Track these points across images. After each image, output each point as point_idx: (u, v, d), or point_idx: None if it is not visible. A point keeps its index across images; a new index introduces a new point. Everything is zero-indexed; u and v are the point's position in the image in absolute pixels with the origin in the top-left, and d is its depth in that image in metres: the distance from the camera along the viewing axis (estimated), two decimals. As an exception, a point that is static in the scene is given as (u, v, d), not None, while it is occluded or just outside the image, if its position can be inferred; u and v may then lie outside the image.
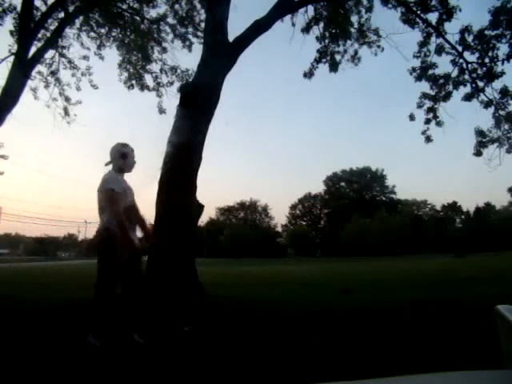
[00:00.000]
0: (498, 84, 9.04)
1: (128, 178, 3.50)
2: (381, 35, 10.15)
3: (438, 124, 9.87)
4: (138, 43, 10.88)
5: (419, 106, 9.97)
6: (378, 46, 10.35)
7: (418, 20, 9.39)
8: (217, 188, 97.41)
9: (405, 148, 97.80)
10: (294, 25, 10.15)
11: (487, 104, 9.23)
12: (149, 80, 11.30)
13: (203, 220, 66.91)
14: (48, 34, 9.76)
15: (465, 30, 8.94)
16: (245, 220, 78.45)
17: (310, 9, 10.06)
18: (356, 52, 10.49)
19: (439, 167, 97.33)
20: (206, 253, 57.91)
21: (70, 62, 10.91)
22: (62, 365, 2.68)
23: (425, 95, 9.92)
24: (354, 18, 10.10)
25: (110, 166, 3.36)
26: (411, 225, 61.06)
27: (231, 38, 8.01)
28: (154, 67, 11.28)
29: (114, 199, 3.08)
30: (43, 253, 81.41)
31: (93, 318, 3.04)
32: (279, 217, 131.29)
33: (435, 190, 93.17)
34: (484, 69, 9.15)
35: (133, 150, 3.38)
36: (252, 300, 6.64)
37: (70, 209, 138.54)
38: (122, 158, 3.29)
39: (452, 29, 9.12)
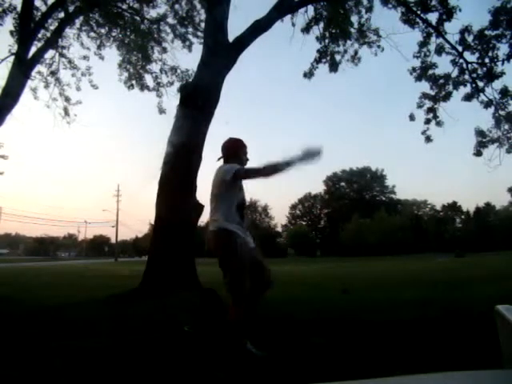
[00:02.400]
0: (498, 84, 9.06)
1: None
2: (381, 35, 10.17)
3: (438, 124, 9.88)
4: (138, 43, 10.88)
5: (419, 106, 9.97)
6: (378, 46, 10.37)
7: (418, 20, 9.40)
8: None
9: (405, 148, 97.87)
10: (293, 25, 10.17)
11: (487, 104, 9.23)
12: (149, 80, 11.32)
13: (203, 220, 66.61)
14: (48, 34, 9.76)
15: (465, 30, 8.94)
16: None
17: (310, 9, 10.08)
18: (356, 52, 10.51)
19: (439, 167, 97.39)
20: (206, 253, 57.81)
21: (70, 61, 10.92)
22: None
23: (425, 95, 9.92)
24: (354, 18, 10.13)
25: (221, 162, 3.13)
26: (411, 225, 61.04)
27: (231, 38, 8.03)
28: (154, 67, 11.30)
29: (240, 175, 2.87)
30: (43, 253, 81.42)
31: (241, 326, 2.83)
32: (279, 217, 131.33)
33: (435, 190, 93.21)
34: (484, 69, 9.15)
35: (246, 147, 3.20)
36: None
37: (70, 209, 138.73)
38: (238, 156, 3.09)
39: (452, 29, 9.15)
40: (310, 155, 2.65)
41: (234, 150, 3.09)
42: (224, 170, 2.93)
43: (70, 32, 10.56)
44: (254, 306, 3.00)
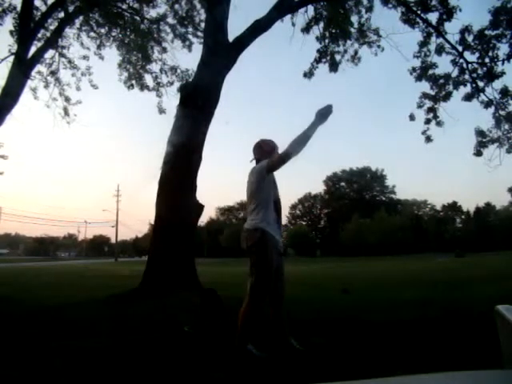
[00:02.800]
0: (498, 84, 9.04)
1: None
2: (381, 35, 10.16)
3: (438, 124, 9.87)
4: (138, 43, 10.88)
5: (419, 106, 9.96)
6: (378, 46, 10.36)
7: (418, 20, 9.39)
8: (217, 188, 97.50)
9: (405, 148, 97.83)
10: (294, 25, 10.16)
11: (487, 104, 9.22)
12: (149, 80, 11.32)
13: (203, 220, 66.96)
14: (48, 34, 9.76)
15: (465, 30, 8.93)
16: (245, 220, 78.31)
17: (310, 9, 10.07)
18: (356, 52, 10.50)
19: (439, 167, 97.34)
20: (206, 253, 57.90)
21: (70, 61, 10.92)
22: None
23: (425, 95, 9.91)
24: (354, 18, 10.12)
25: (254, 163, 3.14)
26: (411, 225, 61.04)
27: (231, 38, 8.02)
28: (154, 67, 11.30)
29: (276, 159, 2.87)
30: (43, 253, 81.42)
31: (250, 324, 2.82)
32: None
33: (435, 190, 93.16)
34: (484, 69, 9.15)
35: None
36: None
37: (70, 209, 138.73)
38: (274, 153, 3.09)
39: (452, 29, 9.14)
40: (324, 114, 2.76)
41: (267, 151, 3.10)
42: (257, 169, 2.96)
43: (69, 32, 10.58)
44: (279, 311, 3.03)
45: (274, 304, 3.00)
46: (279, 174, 3.06)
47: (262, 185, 2.90)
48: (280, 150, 3.01)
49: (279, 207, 3.09)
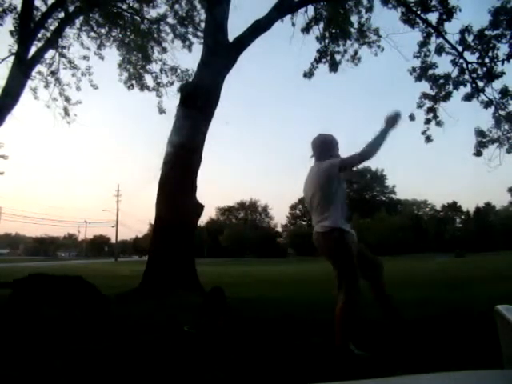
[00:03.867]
0: (498, 84, 9.05)
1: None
2: (381, 35, 10.18)
3: (438, 124, 9.87)
4: (138, 43, 10.88)
5: (419, 106, 9.96)
6: (378, 46, 10.37)
7: (418, 20, 9.40)
8: (217, 188, 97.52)
9: (405, 148, 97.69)
10: (294, 25, 10.17)
11: (487, 104, 9.23)
12: (149, 80, 11.34)
13: (203, 220, 66.99)
14: (48, 34, 9.76)
15: (465, 30, 8.94)
16: (245, 220, 78.46)
17: (310, 9, 10.08)
18: (356, 52, 10.51)
19: (439, 167, 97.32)
20: (206, 253, 57.91)
21: (70, 61, 10.93)
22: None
23: (425, 95, 9.92)
24: (354, 18, 10.13)
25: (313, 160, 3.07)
26: (411, 225, 61.04)
27: (231, 38, 8.03)
28: (154, 67, 11.31)
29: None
30: (43, 253, 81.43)
31: (350, 323, 2.78)
32: (279, 217, 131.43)
33: (435, 190, 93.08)
34: (484, 69, 9.15)
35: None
36: (252, 300, 6.64)
37: (71, 209, 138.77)
38: (334, 149, 3.05)
39: (452, 29, 9.14)
40: (393, 120, 2.80)
41: (328, 147, 3.03)
42: (327, 168, 2.86)
43: (70, 32, 10.59)
44: (382, 290, 3.02)
45: (374, 285, 3.01)
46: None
47: (335, 183, 2.85)
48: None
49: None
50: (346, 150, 3.12)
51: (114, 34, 11.05)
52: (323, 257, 2.96)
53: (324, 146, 3.02)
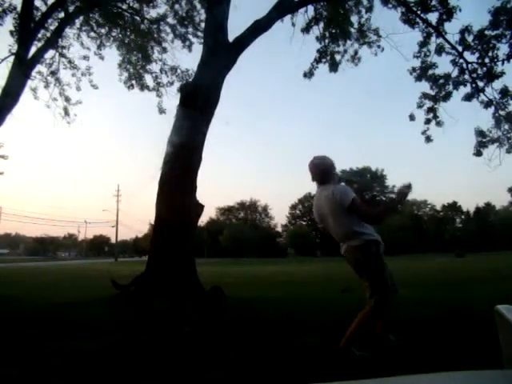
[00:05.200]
0: (498, 84, 9.04)
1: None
2: (381, 35, 10.17)
3: (438, 124, 9.87)
4: (138, 43, 10.88)
5: (419, 106, 9.96)
6: (378, 46, 10.37)
7: (418, 20, 9.39)
8: (217, 188, 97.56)
9: (405, 148, 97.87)
10: (293, 25, 10.17)
11: (487, 104, 9.22)
12: (149, 80, 11.33)
13: (203, 220, 67.00)
14: (48, 34, 9.75)
15: (465, 30, 8.93)
16: (245, 220, 78.46)
17: (310, 9, 10.08)
18: (356, 52, 10.51)
19: (439, 167, 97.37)
20: (206, 253, 57.90)
21: (70, 61, 10.92)
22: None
23: (425, 95, 9.91)
24: (354, 18, 10.13)
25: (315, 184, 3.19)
26: (411, 225, 61.03)
27: (231, 38, 8.02)
28: (154, 67, 11.31)
29: (360, 204, 2.93)
30: (43, 253, 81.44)
31: (364, 330, 2.88)
32: (279, 217, 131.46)
33: (435, 190, 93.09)
34: (484, 69, 9.14)
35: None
36: (252, 300, 6.64)
37: (71, 209, 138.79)
38: (334, 170, 3.18)
39: (452, 29, 9.14)
40: (404, 195, 2.93)
41: (329, 172, 3.14)
42: (341, 192, 2.94)
43: (70, 32, 10.58)
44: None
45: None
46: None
47: (347, 210, 2.92)
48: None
49: None
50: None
51: (113, 34, 11.05)
52: (353, 268, 3.01)
53: (326, 172, 3.13)
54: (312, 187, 3.29)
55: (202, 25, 10.06)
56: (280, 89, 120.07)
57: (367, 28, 10.16)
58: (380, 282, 2.86)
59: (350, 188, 3.03)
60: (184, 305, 5.28)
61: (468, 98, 9.41)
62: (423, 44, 9.54)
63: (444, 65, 9.80)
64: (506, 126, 9.29)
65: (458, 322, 3.99)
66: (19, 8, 8.86)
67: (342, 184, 3.20)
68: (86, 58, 11.00)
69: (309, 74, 10.34)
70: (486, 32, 8.76)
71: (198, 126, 7.35)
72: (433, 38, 9.42)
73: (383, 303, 2.84)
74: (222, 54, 7.73)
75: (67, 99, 11.09)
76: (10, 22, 9.21)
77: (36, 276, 15.36)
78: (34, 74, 9.89)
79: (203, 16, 10.10)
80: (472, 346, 2.87)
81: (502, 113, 9.21)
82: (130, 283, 6.79)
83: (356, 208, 2.89)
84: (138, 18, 10.89)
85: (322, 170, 3.12)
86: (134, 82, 11.32)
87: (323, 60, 10.30)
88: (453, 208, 69.61)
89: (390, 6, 9.42)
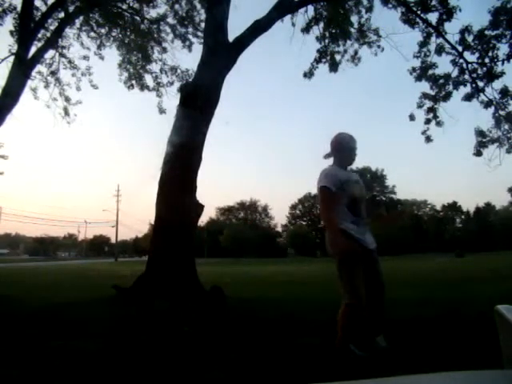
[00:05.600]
0: (498, 84, 9.03)
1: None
2: (381, 35, 10.16)
3: (438, 124, 9.86)
4: (138, 43, 10.88)
5: (419, 106, 9.95)
6: (378, 46, 10.35)
7: (418, 20, 9.38)
8: (217, 188, 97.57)
9: (405, 148, 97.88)
10: (293, 25, 10.15)
11: (487, 104, 9.22)
12: (149, 80, 11.33)
13: (203, 220, 66.98)
14: (48, 34, 9.75)
15: (465, 30, 8.92)
16: (245, 220, 78.46)
17: (310, 9, 10.06)
18: (356, 52, 10.50)
19: (439, 167, 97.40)
20: (206, 253, 57.90)
21: (70, 61, 10.92)
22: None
23: (425, 95, 9.91)
24: (354, 18, 10.11)
25: (331, 160, 2.98)
26: (411, 225, 61.03)
27: (231, 38, 8.02)
28: (154, 67, 11.31)
29: (326, 198, 2.74)
30: (43, 253, 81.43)
31: (350, 328, 2.69)
32: (279, 217, 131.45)
33: (435, 190, 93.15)
34: (484, 69, 9.14)
35: (355, 141, 3.01)
36: (252, 300, 6.64)
37: (71, 209, 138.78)
38: (341, 151, 2.94)
39: (452, 29, 9.12)
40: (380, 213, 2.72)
41: (332, 146, 2.98)
42: (319, 176, 2.82)
43: (70, 32, 10.58)
44: (380, 308, 2.86)
45: (374, 300, 2.83)
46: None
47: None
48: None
49: (360, 205, 2.93)
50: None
51: (113, 34, 11.05)
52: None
53: (332, 148, 2.98)
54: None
55: (202, 25, 10.06)
56: (280, 89, 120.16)
57: (367, 28, 10.16)
58: (346, 279, 2.68)
59: (333, 173, 2.80)
60: (184, 305, 5.28)
61: (468, 97, 9.41)
62: (423, 44, 9.53)
63: (444, 65, 9.80)
64: (506, 126, 9.29)
65: (458, 322, 3.99)
66: (19, 8, 8.87)
67: (329, 167, 2.91)
68: (86, 58, 11.00)
69: (309, 74, 10.33)
70: (486, 32, 8.75)
71: (198, 126, 7.35)
72: (433, 38, 9.41)
73: (354, 299, 2.65)
74: (221, 54, 7.73)
75: (67, 99, 11.10)
76: (9, 22, 9.22)
77: (36, 276, 15.37)
78: (34, 74, 9.90)
79: (203, 16, 10.10)
80: (472, 346, 2.87)
81: (502, 113, 9.20)
82: (131, 286, 6.78)
83: (319, 199, 2.72)
84: (138, 18, 10.89)
85: (330, 143, 2.98)
86: (134, 81, 11.32)
87: (323, 60, 10.30)
88: (453, 208, 69.63)
89: (390, 6, 9.42)
